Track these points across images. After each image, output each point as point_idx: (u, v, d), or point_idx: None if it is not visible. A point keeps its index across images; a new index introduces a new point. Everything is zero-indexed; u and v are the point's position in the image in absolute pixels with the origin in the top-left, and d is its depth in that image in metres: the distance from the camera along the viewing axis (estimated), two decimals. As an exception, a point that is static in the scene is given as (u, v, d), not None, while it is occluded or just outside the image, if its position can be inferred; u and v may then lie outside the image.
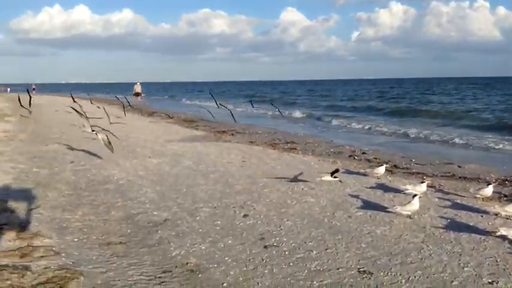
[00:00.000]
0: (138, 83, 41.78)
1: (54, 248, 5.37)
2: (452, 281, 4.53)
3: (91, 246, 5.59)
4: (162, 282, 4.61)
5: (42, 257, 5.09)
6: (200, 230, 6.17)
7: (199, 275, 4.78)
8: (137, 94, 41.35)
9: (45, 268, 4.77)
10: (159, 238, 5.89)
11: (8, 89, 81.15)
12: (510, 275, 4.65)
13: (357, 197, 7.78)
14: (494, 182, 7.79)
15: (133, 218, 6.73)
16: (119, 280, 4.62)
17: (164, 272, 4.85)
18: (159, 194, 8.08)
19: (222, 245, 5.61)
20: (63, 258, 5.10)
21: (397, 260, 5.10)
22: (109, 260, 5.14)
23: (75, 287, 4.38)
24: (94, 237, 5.89)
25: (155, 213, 6.95)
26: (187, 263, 5.08)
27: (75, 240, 5.78)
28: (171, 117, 24.60)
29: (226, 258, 5.22)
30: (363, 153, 13.32)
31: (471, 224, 6.30)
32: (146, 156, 11.89)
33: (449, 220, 6.46)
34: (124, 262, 5.09)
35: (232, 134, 17.57)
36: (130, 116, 24.87)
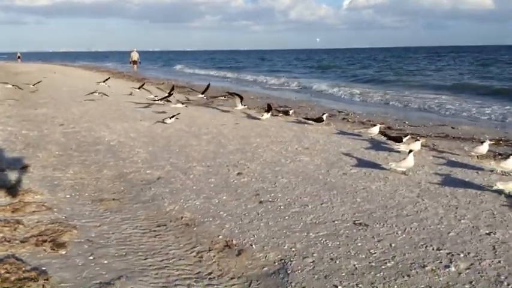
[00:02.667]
0: (135, 50, 39.15)
1: (45, 204, 5.27)
2: (449, 232, 4.52)
3: (83, 202, 5.51)
4: (157, 235, 4.56)
5: (34, 212, 5.00)
6: (194, 187, 6.10)
7: (194, 228, 4.73)
8: (134, 62, 38.99)
9: (38, 222, 4.69)
10: (152, 195, 5.81)
11: (-5, 57, 79.82)
12: (507, 226, 4.64)
13: (351, 155, 7.74)
14: (489, 142, 7.75)
15: (126, 176, 6.63)
16: (113, 233, 4.56)
17: (159, 226, 4.79)
18: (152, 154, 7.97)
19: (217, 201, 5.56)
20: (56, 213, 5.02)
21: (392, 212, 5.08)
22: (102, 215, 5.07)
23: (68, 239, 4.31)
24: (86, 194, 5.81)
25: (148, 171, 6.86)
26: (181, 218, 5.02)
27: (67, 196, 5.69)
28: (162, 84, 24.24)
29: (221, 212, 5.17)
30: (356, 116, 13.26)
31: (467, 179, 6.30)
32: (137, 120, 11.73)
33: (444, 176, 6.46)
34: (118, 217, 5.03)
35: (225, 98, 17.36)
36: (121, 82, 24.53)
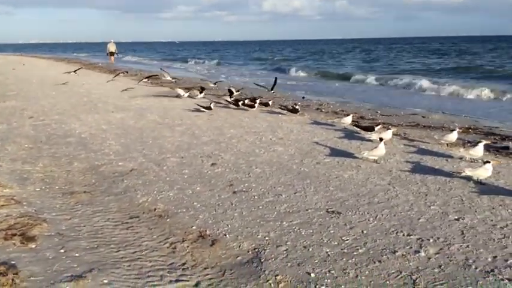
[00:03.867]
0: (112, 42, 37.44)
1: (15, 197, 5.16)
2: (419, 218, 4.61)
3: (54, 195, 5.42)
4: (130, 227, 4.52)
5: (2, 205, 4.88)
6: (168, 179, 6.06)
7: (168, 220, 4.70)
8: (111, 54, 37.30)
9: (7, 216, 4.59)
10: (125, 187, 5.75)
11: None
12: (476, 212, 4.77)
13: (324, 145, 7.80)
14: (458, 130, 7.94)
15: (97, 168, 6.54)
16: (84, 226, 4.50)
17: (131, 218, 4.75)
18: (124, 146, 7.87)
19: (191, 192, 5.54)
20: (25, 207, 4.92)
21: (364, 200, 5.15)
22: (73, 208, 5.00)
23: (38, 233, 4.23)
24: (57, 187, 5.71)
25: (120, 163, 6.77)
26: (155, 209, 4.99)
27: (37, 190, 5.58)
28: (135, 75, 23.91)
29: (195, 203, 5.16)
30: (330, 106, 13.35)
31: (436, 167, 6.42)
32: (109, 111, 11.55)
33: (414, 164, 6.58)
34: (89, 210, 4.96)
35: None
36: (92, 73, 24.11)
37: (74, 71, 16.80)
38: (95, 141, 8.18)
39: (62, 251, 3.93)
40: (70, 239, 4.19)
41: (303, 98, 15.38)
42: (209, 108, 11.45)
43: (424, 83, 19.84)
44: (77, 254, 3.88)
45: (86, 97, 14.26)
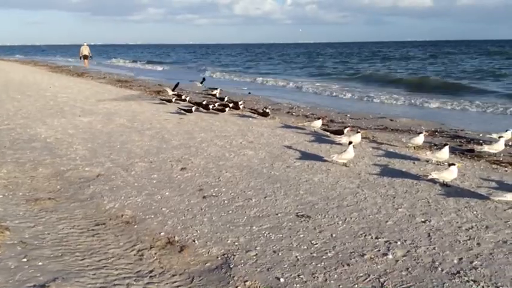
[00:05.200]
0: (85, 44, 36.00)
1: (-25, 205, 4.98)
2: (387, 221, 4.67)
3: (17, 202, 5.25)
4: (96, 234, 4.41)
5: (-39, 214, 4.70)
6: (136, 184, 5.96)
7: (135, 226, 4.62)
8: (85, 57, 36.04)
9: (-34, 225, 4.42)
10: (91, 193, 5.62)
11: None
12: (442, 214, 4.85)
13: (295, 149, 7.82)
14: (425, 133, 8.09)
15: (63, 174, 6.38)
16: (48, 234, 4.37)
17: (97, 225, 4.65)
18: (91, 151, 7.70)
19: (159, 197, 5.46)
20: (-14, 215, 4.74)
21: (333, 203, 5.18)
22: (37, 215, 4.85)
23: (0, 241, 4.08)
24: (20, 194, 5.54)
25: (87, 169, 6.62)
26: (122, 215, 4.89)
27: (0, 196, 5.40)
28: (103, 78, 23.52)
29: (164, 209, 5.08)
30: (301, 109, 13.41)
31: (404, 170, 6.52)
32: (76, 115, 11.30)
33: (383, 167, 6.66)
34: (54, 217, 4.83)
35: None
36: (59, 76, 23.61)
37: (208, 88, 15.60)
38: (61, 146, 7.98)
39: (25, 260, 3.81)
40: (33, 247, 4.06)
41: (249, 93, 17.17)
42: (190, 111, 11.40)
43: (308, 85, 21.99)
44: (40, 263, 3.76)
45: (52, 100, 13.95)
